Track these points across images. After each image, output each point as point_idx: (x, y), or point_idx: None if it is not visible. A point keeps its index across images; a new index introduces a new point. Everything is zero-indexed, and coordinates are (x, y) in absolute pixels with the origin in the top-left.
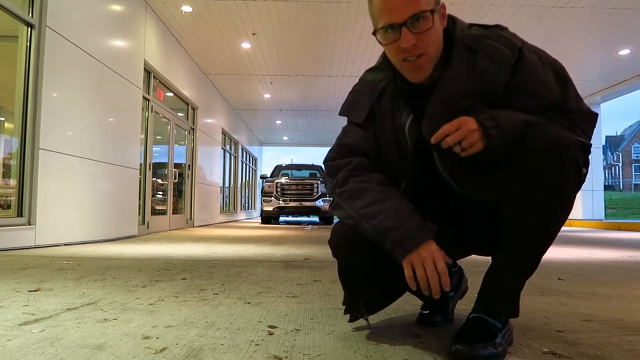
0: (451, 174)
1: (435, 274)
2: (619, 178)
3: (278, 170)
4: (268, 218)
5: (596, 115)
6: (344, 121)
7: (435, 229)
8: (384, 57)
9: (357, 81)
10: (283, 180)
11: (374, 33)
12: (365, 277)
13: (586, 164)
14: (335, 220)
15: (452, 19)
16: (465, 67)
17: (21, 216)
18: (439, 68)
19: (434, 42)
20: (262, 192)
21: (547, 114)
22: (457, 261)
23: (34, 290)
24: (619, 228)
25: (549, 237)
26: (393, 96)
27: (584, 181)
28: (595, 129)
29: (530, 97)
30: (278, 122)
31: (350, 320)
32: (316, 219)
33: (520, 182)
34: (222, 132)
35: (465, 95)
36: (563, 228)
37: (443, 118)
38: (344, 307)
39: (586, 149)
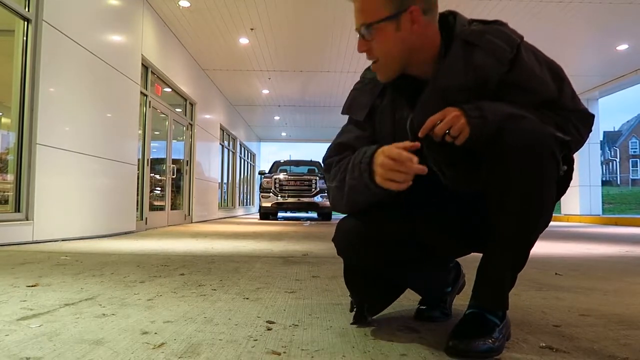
0: (438, 166)
1: (401, 168)
2: (617, 173)
3: (276, 166)
4: (266, 214)
5: (592, 116)
6: (342, 117)
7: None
8: None
9: (357, 78)
10: (281, 176)
11: None
12: (369, 276)
13: (568, 161)
14: (335, 216)
15: (453, 15)
16: (462, 61)
17: (19, 211)
18: (437, 64)
19: (386, 50)
20: (260, 188)
21: (540, 109)
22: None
23: (32, 286)
24: (616, 223)
25: (528, 230)
26: (394, 92)
27: (568, 178)
28: (591, 131)
29: (526, 93)
30: (276, 117)
31: (354, 323)
32: (314, 214)
33: (498, 176)
34: (220, 128)
35: (459, 88)
36: (560, 223)
37: (434, 109)
38: (352, 313)
39: (566, 145)
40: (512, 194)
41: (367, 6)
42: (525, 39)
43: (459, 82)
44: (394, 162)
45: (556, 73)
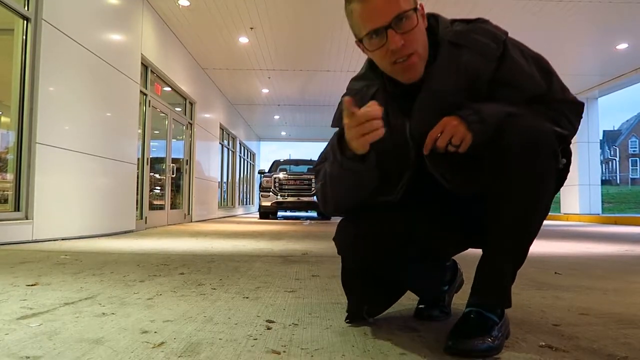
0: (439, 170)
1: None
2: (616, 172)
3: (276, 165)
4: (266, 213)
5: (582, 104)
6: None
7: None
8: (368, 64)
9: (350, 83)
10: (281, 175)
11: (359, 42)
12: (366, 278)
13: (567, 154)
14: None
15: (434, 17)
16: (452, 63)
17: (18, 210)
18: (427, 68)
19: (420, 40)
20: (260, 187)
21: (532, 105)
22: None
23: (32, 285)
24: (615, 222)
25: (530, 228)
26: (385, 101)
27: (566, 171)
28: (583, 119)
29: (516, 90)
30: (276, 117)
31: (349, 322)
32: (314, 214)
33: (500, 175)
34: (220, 127)
35: (452, 90)
36: (560, 222)
37: (431, 114)
38: (347, 314)
39: (563, 139)
40: (514, 191)
41: None
42: (524, 38)
43: (452, 84)
44: (357, 118)
45: (543, 67)
